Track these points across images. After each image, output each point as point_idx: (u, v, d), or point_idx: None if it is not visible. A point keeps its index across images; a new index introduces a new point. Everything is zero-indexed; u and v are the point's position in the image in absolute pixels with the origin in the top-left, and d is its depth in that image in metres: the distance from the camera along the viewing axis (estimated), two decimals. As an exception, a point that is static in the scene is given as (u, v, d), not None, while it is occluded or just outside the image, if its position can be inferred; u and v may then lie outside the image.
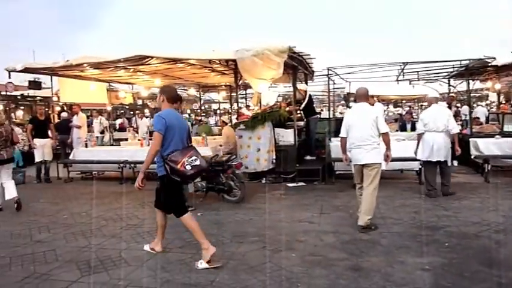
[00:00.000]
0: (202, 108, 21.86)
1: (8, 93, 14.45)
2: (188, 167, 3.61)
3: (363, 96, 4.90)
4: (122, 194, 7.13)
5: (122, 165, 8.13)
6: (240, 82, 8.71)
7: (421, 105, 22.78)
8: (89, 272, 3.60)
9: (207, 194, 6.34)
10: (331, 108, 10.57)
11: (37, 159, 8.50)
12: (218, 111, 23.53)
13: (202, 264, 3.63)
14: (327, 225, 4.88)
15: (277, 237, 4.42)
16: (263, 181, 7.70)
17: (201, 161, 3.73)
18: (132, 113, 21.61)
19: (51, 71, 8.70)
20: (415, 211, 5.37)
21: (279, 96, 15.70)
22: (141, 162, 8.08)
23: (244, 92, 14.75)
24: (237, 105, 9.42)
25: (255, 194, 6.66)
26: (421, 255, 3.80)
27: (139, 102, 18.73)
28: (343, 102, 16.44)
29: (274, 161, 7.52)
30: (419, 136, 6.30)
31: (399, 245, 4.09)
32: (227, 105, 21.85)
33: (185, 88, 14.67)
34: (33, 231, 4.93)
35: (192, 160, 3.65)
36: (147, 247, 4.13)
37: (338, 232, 4.57)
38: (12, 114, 15.56)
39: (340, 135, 5.02)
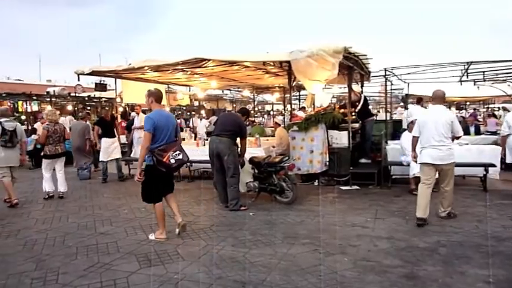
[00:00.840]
0: (255, 109, 22.08)
1: (77, 94, 15.66)
2: (172, 160, 4.28)
3: (440, 98, 5.15)
4: (179, 191, 7.36)
5: (178, 163, 8.44)
6: (294, 83, 8.69)
7: (487, 107, 21.32)
8: (147, 265, 3.79)
9: (259, 195, 6.40)
10: (389, 110, 10.22)
11: (102, 158, 8.88)
12: (272, 113, 23.64)
13: (152, 236, 4.54)
14: (382, 230, 4.73)
15: (330, 241, 4.37)
16: (316, 183, 7.62)
17: (184, 156, 4.42)
18: (188, 113, 22.41)
19: (115, 74, 9.24)
20: (478, 220, 5.05)
21: (333, 97, 15.47)
22: (197, 162, 8.42)
23: (297, 94, 14.70)
24: (291, 106, 9.40)
25: (307, 196, 6.62)
26: (484, 266, 3.57)
27: (196, 103, 19.32)
28: (402, 103, 15.83)
29: (327, 163, 7.42)
30: (504, 139, 6.43)
31: (459, 255, 3.86)
32: (280, 107, 21.91)
33: (239, 90, 14.93)
34: (97, 224, 5.28)
35: (176, 154, 4.32)
36: (152, 236, 4.58)
37: (393, 238, 4.42)
38: (80, 113, 16.76)
39: (412, 133, 5.33)
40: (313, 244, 4.28)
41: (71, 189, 7.54)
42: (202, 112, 19.66)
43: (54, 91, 14.93)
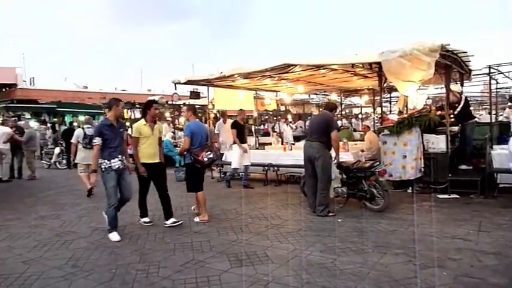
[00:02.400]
0: (343, 113, 21.56)
1: (174, 102, 16.88)
2: (205, 159, 5.52)
3: None
4: (266, 194, 7.56)
5: (266, 168, 8.63)
6: (385, 85, 8.34)
7: None
8: (238, 264, 3.93)
9: (347, 200, 6.25)
10: (493, 111, 9.25)
11: (234, 165, 8.49)
12: (360, 116, 22.90)
13: (197, 219, 5.71)
14: (487, 244, 4.29)
15: (426, 253, 4.09)
16: (409, 190, 7.18)
17: (214, 155, 5.75)
18: (275, 118, 22.76)
19: (208, 82, 9.77)
20: None
21: (428, 98, 14.46)
22: (284, 166, 8.52)
23: (388, 96, 14.04)
24: (381, 109, 9.03)
25: (400, 204, 6.28)
26: None
27: (282, 108, 19.52)
28: (509, 104, 14.21)
29: (422, 169, 6.97)
30: None
31: None
32: (369, 110, 21.10)
33: (326, 93, 14.72)
34: (192, 223, 5.62)
35: (208, 154, 5.56)
36: (197, 219, 5.71)
37: (501, 254, 3.99)
38: (176, 120, 18.04)
39: None
40: (407, 255, 4.05)
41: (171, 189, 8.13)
42: (289, 117, 19.80)
43: (154, 99, 16.28)
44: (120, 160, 5.01)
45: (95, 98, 25.76)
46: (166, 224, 5.44)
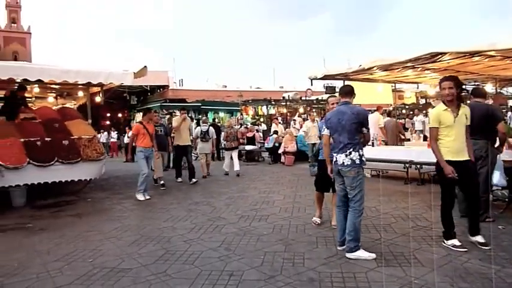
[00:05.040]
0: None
1: (307, 98, 17.14)
2: None
3: None
4: (408, 194, 7.11)
5: (407, 165, 8.11)
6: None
7: None
8: (384, 264, 3.79)
9: (509, 205, 5.47)
10: None
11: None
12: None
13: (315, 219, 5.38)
14: None
15: None
16: None
17: None
18: (411, 112, 21.16)
19: (344, 76, 9.63)
20: None
21: None
22: (427, 164, 7.88)
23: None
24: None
25: None
26: None
27: (422, 101, 18.07)
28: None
29: None
30: None
31: None
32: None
33: (478, 83, 13.07)
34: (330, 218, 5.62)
35: None
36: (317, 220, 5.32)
37: None
38: (309, 115, 18.23)
39: None
40: None
41: (308, 184, 8.32)
42: (430, 110, 18.21)
43: (289, 96, 16.77)
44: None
45: (233, 96, 27.69)
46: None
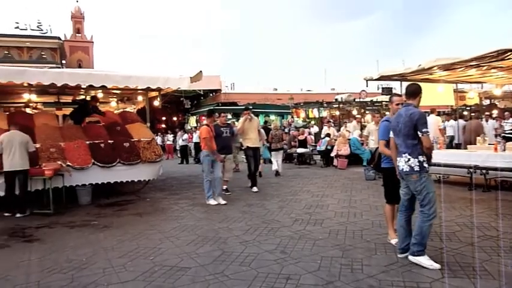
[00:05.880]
0: None
1: (361, 100, 16.70)
2: None
3: None
4: (472, 200, 6.69)
5: (471, 170, 7.63)
6: None
7: None
8: (451, 275, 3.58)
9: None
10: None
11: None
12: None
13: (392, 241, 4.46)
14: None
15: None
16: None
17: None
18: (473, 114, 19.85)
19: (401, 77, 9.28)
20: None
21: None
22: (495, 169, 7.36)
23: None
24: None
25: None
26: None
27: (486, 102, 16.95)
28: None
29: None
30: None
31: None
32: None
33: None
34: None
35: None
36: (393, 241, 4.43)
37: None
38: (362, 118, 17.77)
39: None
40: None
41: (363, 189, 8.08)
42: (494, 112, 17.03)
43: (341, 98, 16.46)
44: None
45: (283, 98, 27.73)
46: None
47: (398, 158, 4.00)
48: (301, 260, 4.13)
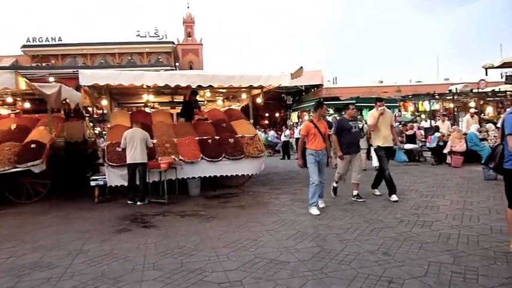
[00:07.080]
0: None
1: (480, 90, 14.93)
2: None
3: None
4: None
5: None
6: None
7: None
8: None
9: None
10: None
11: None
12: None
13: None
14: None
15: None
16: None
17: None
18: None
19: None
20: None
21: None
22: None
23: None
24: None
25: None
26: None
27: None
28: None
29: None
30: None
31: None
32: None
33: None
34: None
35: None
36: None
37: None
38: (481, 110, 15.90)
39: None
40: None
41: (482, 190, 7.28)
42: None
43: (456, 88, 14.93)
44: None
45: (389, 91, 26.21)
46: None
47: None
48: (406, 263, 3.88)
